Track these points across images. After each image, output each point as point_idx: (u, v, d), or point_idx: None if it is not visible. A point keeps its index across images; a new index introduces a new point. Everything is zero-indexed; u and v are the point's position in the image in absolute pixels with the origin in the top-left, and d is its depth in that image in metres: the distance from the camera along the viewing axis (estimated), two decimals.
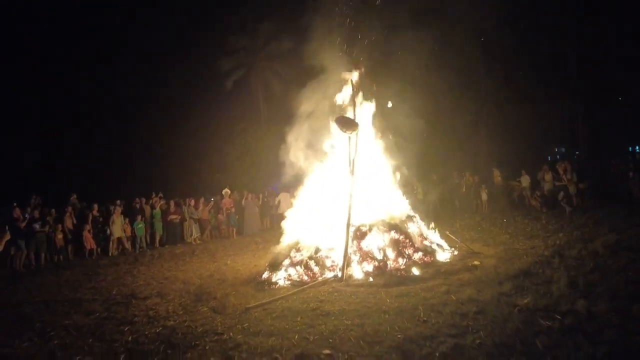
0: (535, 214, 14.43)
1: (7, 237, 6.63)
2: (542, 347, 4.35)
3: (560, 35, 21.32)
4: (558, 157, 29.48)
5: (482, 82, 22.81)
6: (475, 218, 15.50)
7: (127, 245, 14.51)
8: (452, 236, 10.25)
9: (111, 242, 14.07)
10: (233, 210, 16.95)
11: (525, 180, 16.89)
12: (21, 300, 8.50)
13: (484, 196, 17.70)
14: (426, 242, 9.33)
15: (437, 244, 9.58)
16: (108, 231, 14.06)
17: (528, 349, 4.33)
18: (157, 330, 5.98)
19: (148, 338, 5.69)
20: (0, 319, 6.98)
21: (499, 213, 15.94)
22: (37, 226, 12.52)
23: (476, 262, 8.34)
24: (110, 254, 13.86)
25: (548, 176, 15.90)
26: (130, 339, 5.72)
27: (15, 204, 13.01)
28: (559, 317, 5.04)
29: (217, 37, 26.52)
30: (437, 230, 10.33)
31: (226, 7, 26.50)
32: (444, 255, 9.14)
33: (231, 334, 5.56)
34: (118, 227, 14.19)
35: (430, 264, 8.55)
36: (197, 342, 5.34)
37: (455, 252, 9.41)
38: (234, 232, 16.85)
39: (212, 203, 17.30)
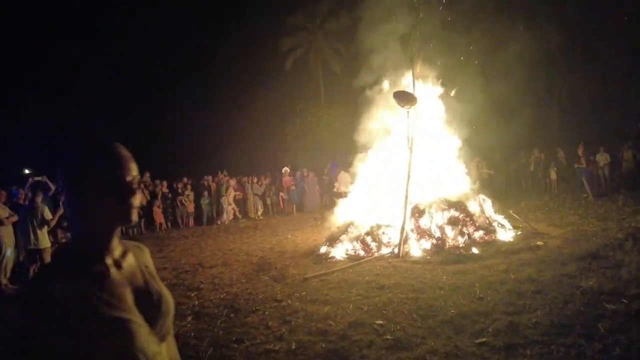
0: (612, 195, 13.49)
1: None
2: (604, 330, 4.18)
3: None
4: None
5: (555, 52, 21.18)
6: (543, 198, 14.76)
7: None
8: (515, 215, 9.89)
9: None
10: (293, 187, 17.38)
11: (604, 158, 15.38)
12: None
13: (553, 175, 16.73)
14: (487, 221, 9.10)
15: (499, 223, 9.30)
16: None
17: (588, 332, 4.19)
18: (222, 296, 6.41)
19: (213, 303, 6.14)
20: None
21: (569, 193, 15.06)
22: None
23: (539, 243, 8.04)
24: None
25: (627, 154, 14.71)
26: (197, 303, 6.20)
27: None
28: (625, 301, 4.81)
29: (276, 17, 26.82)
30: (500, 209, 10.01)
31: None
32: (505, 234, 8.87)
33: (289, 301, 5.86)
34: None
35: (490, 243, 8.35)
36: (257, 308, 5.70)
37: (519, 232, 9.08)
38: (294, 208, 17.31)
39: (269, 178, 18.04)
